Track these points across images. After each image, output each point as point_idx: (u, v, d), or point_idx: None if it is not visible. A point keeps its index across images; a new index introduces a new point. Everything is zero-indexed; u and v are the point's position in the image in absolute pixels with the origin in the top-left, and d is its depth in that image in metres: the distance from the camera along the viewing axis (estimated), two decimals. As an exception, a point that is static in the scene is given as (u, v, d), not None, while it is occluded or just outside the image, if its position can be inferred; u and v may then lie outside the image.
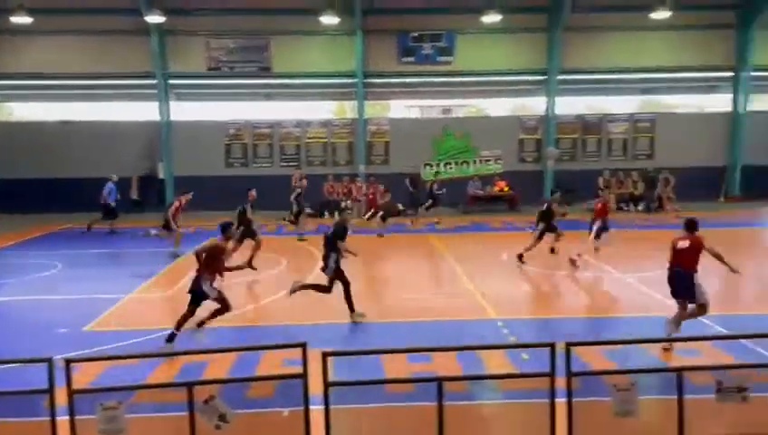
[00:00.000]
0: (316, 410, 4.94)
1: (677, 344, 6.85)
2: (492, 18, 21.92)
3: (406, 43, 23.76)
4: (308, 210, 18.57)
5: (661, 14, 21.60)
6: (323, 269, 9.73)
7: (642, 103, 25.72)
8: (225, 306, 8.42)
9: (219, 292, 8.40)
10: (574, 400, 5.10)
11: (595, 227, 13.30)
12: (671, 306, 10.20)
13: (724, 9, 23.63)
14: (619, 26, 23.72)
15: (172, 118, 24.11)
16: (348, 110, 25.59)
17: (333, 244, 9.72)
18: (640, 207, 22.88)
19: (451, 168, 24.60)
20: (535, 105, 25.30)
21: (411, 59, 23.85)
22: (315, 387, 4.93)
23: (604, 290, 11.75)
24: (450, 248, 15.80)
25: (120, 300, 11.07)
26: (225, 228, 8.86)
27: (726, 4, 23.53)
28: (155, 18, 21.55)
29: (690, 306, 7.94)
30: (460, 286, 11.93)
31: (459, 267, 13.51)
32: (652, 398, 5.49)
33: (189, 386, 4.87)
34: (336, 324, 9.35)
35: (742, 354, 6.91)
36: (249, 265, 12.19)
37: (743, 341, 7.19)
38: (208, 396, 4.82)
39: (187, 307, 8.32)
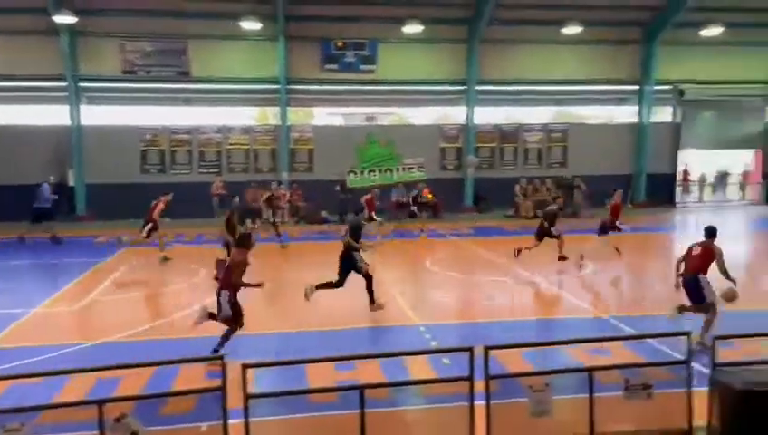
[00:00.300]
0: (236, 423, 4.83)
1: (588, 345, 7.15)
2: (413, 29, 22.35)
3: (329, 51, 23.76)
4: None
5: (572, 30, 22.70)
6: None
7: (556, 114, 26.85)
8: (233, 327, 8.10)
9: (233, 311, 8.06)
10: (493, 402, 5.25)
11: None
12: (585, 308, 10.69)
13: (631, 26, 25.05)
14: (533, 40, 24.67)
15: (84, 122, 22.98)
16: (270, 116, 25.29)
17: (355, 240, 10.35)
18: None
19: (375, 175, 24.74)
20: (456, 114, 25.89)
21: (334, 66, 23.85)
22: (237, 400, 4.83)
23: (523, 293, 12.12)
24: (374, 255, 15.84)
25: (26, 315, 10.43)
26: (243, 240, 8.55)
27: (632, 21, 24.95)
28: (64, 18, 20.51)
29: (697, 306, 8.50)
30: (384, 293, 11.98)
31: (383, 274, 13.58)
32: (567, 397, 5.70)
33: (100, 404, 4.65)
34: (257, 335, 9.17)
35: (648, 353, 7.30)
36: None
37: (649, 340, 7.58)
38: (119, 414, 4.62)
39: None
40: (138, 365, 6.56)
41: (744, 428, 4.95)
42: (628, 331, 9.20)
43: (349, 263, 10.36)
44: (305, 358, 5.85)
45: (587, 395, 5.37)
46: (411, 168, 24.96)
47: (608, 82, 25.68)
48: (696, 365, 5.80)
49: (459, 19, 24.12)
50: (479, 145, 25.28)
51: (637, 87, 25.79)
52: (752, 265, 15.31)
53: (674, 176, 26.63)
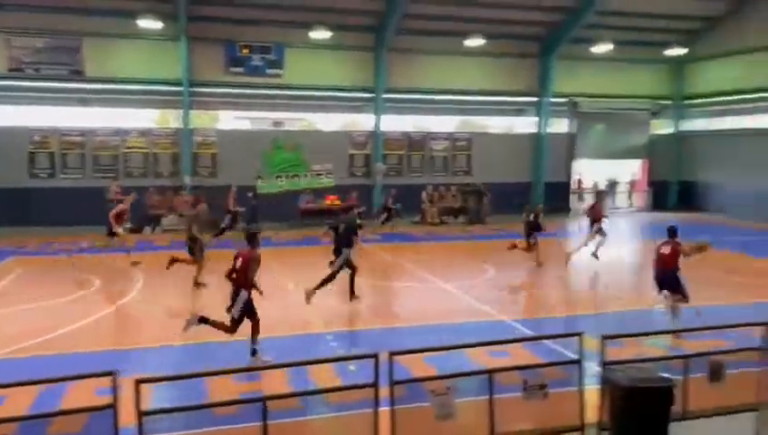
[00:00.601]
0: (130, 442, 4.59)
1: (490, 347, 7.35)
2: (321, 34, 22.29)
3: (234, 54, 23.24)
4: (127, 225, 17.30)
5: (475, 42, 23.48)
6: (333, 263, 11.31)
7: (461, 123, 27.60)
8: (233, 328, 8.29)
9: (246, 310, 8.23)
10: (398, 407, 5.28)
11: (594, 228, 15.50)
12: (488, 312, 11.02)
13: (529, 40, 26.24)
14: (439, 51, 25.29)
15: (-37, 122, 21.22)
16: (172, 119, 24.35)
17: (348, 238, 11.28)
18: (461, 220, 24.49)
19: (282, 181, 24.41)
20: (364, 121, 26.05)
21: (240, 69, 23.35)
22: (132, 417, 4.58)
23: (428, 299, 12.33)
24: (281, 262, 15.62)
25: None
26: (252, 237, 8.70)
27: (531, 36, 26.14)
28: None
29: (672, 295, 9.76)
30: (290, 301, 11.83)
31: (290, 282, 13.40)
32: (469, 399, 5.82)
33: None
34: (152, 349, 8.77)
35: (545, 354, 7.61)
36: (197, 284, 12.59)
37: (545, 341, 7.90)
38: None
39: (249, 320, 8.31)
40: (21, 384, 6.08)
41: (631, 423, 5.26)
42: (527, 332, 9.58)
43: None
44: (204, 371, 5.64)
45: (488, 397, 5.52)
46: (320, 174, 24.82)
47: (508, 93, 26.74)
48: (588, 364, 6.11)
49: (367, 27, 24.33)
50: (387, 152, 25.55)
51: (535, 99, 27.00)
52: (640, 268, 16.35)
53: (569, 184, 28.08)
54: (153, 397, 5.55)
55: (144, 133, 23.27)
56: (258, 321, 8.40)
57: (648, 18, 25.35)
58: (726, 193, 26.38)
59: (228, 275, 8.41)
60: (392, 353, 5.17)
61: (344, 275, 11.39)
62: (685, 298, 9.82)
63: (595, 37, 25.01)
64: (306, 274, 14.31)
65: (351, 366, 7.16)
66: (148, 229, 21.28)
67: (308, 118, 26.26)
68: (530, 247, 15.40)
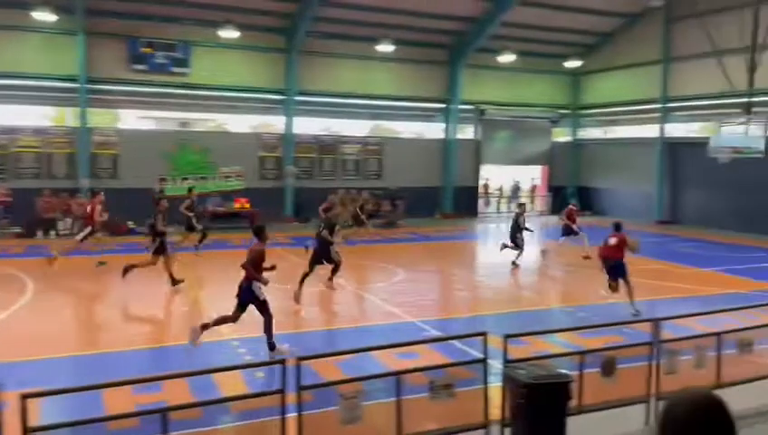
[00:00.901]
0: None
1: (399, 349, 7.43)
2: (229, 34, 21.81)
3: (136, 50, 22.27)
4: (15, 229, 16.22)
5: (385, 48, 23.78)
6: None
7: (372, 127, 27.80)
8: (269, 313, 8.78)
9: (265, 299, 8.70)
10: (306, 413, 5.22)
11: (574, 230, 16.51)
12: (399, 314, 11.14)
13: (438, 48, 26.85)
14: (351, 55, 25.40)
15: None
16: (69, 117, 23.02)
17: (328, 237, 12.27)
18: (371, 224, 24.60)
19: (189, 183, 23.62)
20: (275, 123, 25.71)
21: (143, 67, 22.41)
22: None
23: (338, 303, 12.31)
24: (187, 267, 15.09)
25: None
26: (259, 231, 9.24)
27: (439, 43, 26.75)
28: None
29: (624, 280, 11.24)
30: (195, 307, 11.47)
31: (194, 287, 12.98)
32: (377, 402, 5.85)
33: None
34: (40, 360, 8.22)
35: (452, 354, 7.77)
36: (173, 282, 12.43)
37: (454, 341, 8.07)
38: None
39: (234, 311, 8.68)
40: None
41: (531, 418, 5.47)
42: (435, 333, 9.76)
43: (323, 255, 12.20)
44: (100, 383, 5.34)
45: (396, 398, 5.57)
46: (228, 176, 24.25)
47: (419, 99, 27.24)
48: (493, 362, 6.29)
49: (277, 28, 24.04)
50: (299, 155, 25.33)
51: (444, 105, 27.66)
52: (541, 270, 17.07)
53: (476, 189, 28.95)
54: (45, 412, 5.19)
55: (38, 132, 21.85)
56: (271, 316, 8.82)
57: (549, 31, 26.62)
58: (618, 197, 28.11)
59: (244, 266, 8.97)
60: (299, 359, 5.12)
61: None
62: (627, 284, 11.30)
63: (500, 47, 25.97)
64: (212, 279, 13.92)
65: (260, 373, 7.03)
66: (40, 234, 19.96)
67: (216, 119, 25.58)
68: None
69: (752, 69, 19.86)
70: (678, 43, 25.01)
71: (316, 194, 24.67)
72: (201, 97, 23.95)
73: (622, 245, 11.33)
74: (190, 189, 18.78)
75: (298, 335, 10.03)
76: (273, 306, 12.18)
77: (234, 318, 8.78)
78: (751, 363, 7.23)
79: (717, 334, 7.06)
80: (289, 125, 24.88)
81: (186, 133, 24.28)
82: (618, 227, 11.64)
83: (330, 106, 26.11)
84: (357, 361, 7.16)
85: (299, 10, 22.98)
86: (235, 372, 7.26)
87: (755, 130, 19.71)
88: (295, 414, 5.12)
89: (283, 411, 5.08)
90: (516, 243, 15.78)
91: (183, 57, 22.95)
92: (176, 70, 22.91)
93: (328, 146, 26.15)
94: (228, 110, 25.02)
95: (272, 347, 8.61)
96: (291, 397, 5.17)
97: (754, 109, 20.06)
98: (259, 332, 10.25)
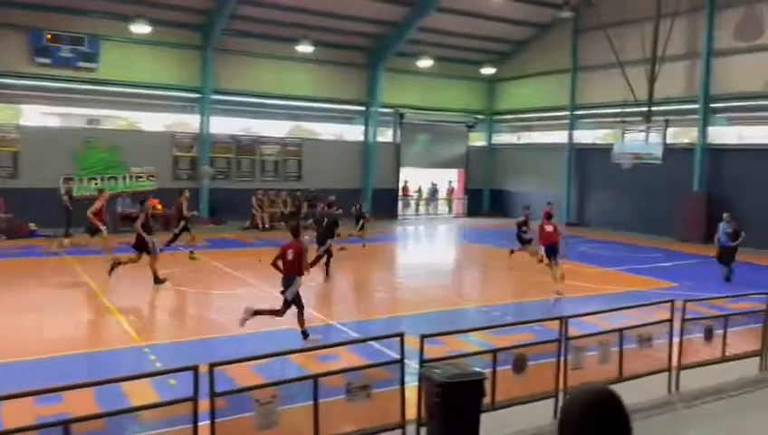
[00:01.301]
0: None
1: (317, 352, 7.40)
2: (141, 29, 20.99)
3: (39, 43, 20.98)
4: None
5: (305, 48, 23.61)
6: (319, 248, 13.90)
7: (292, 128, 27.49)
8: (283, 311, 9.55)
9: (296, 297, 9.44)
10: (219, 420, 5.10)
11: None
12: (319, 317, 11.09)
13: (358, 50, 26.96)
14: (270, 54, 25.05)
15: None
16: (-37, 112, 21.43)
17: (331, 231, 14.22)
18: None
19: (97, 183, 22.54)
20: (190, 122, 24.94)
21: (47, 61, 21.14)
22: None
23: (253, 306, 12.06)
24: (93, 272, 14.38)
25: None
26: (296, 230, 10.10)
27: (359, 46, 26.85)
28: None
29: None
30: (103, 313, 10.96)
31: (103, 293, 12.40)
32: (295, 406, 5.78)
33: None
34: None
35: (371, 355, 7.81)
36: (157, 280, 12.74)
37: (373, 343, 8.10)
38: None
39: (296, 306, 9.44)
40: None
41: (446, 416, 5.58)
42: (354, 335, 9.78)
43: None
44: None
45: (313, 402, 5.53)
46: (140, 176, 23.29)
47: (338, 101, 27.23)
48: (410, 363, 6.38)
49: (193, 25, 23.36)
50: (215, 155, 24.69)
51: (364, 108, 27.79)
52: (457, 270, 17.47)
53: (396, 191, 29.25)
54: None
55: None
56: (303, 306, 9.56)
57: (465, 38, 27.31)
58: (529, 200, 29.14)
59: (274, 265, 9.59)
60: (212, 365, 4.99)
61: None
62: (557, 265, 13.48)
63: (419, 52, 26.39)
64: (123, 283, 13.33)
65: (172, 380, 6.79)
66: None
67: (127, 116, 24.46)
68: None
69: (652, 80, 21.20)
70: (586, 53, 26.30)
71: (233, 195, 24.20)
72: (111, 93, 22.88)
73: (556, 230, 13.87)
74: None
75: (213, 341, 9.77)
76: (191, 312, 11.88)
77: (281, 313, 9.60)
78: (649, 357, 7.69)
79: (620, 331, 7.47)
80: (205, 124, 24.21)
81: (94, 131, 23.11)
82: (549, 216, 14.73)
83: (248, 106, 25.65)
84: (275, 365, 7.07)
85: (215, 7, 22.42)
86: (144, 380, 6.98)
87: (655, 137, 21.03)
88: (208, 422, 4.99)
89: (195, 420, 4.93)
90: (523, 240, 17.06)
91: (91, 51, 21.85)
92: (83, 64, 21.78)
93: (246, 146, 25.64)
94: (140, 107, 24.03)
95: (305, 335, 9.46)
96: (204, 404, 5.03)
97: (654, 117, 21.42)
98: (171, 337, 9.94)
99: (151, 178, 23.29)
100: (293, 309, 9.49)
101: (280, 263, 9.56)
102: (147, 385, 6.83)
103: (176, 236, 16.69)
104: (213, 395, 4.92)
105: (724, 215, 16.13)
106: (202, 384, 5.01)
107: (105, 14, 21.71)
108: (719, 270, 15.45)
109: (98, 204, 15.79)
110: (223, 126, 25.29)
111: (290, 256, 9.51)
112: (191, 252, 16.63)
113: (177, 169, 24.15)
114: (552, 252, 13.59)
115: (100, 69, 22.09)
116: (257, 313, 9.50)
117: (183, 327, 10.68)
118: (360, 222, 20.12)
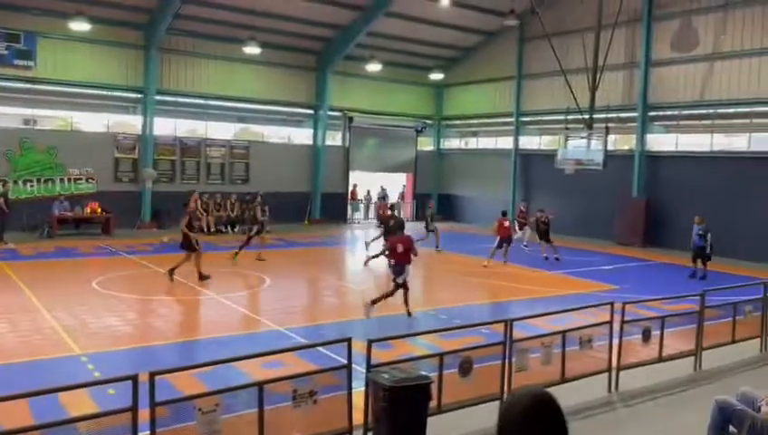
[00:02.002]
0: None
1: (263, 358, 7.28)
2: (80, 26, 20.28)
3: (-29, 39, 20.08)
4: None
5: (252, 50, 23.28)
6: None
7: (239, 131, 27.05)
8: (393, 293, 11.55)
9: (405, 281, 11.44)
10: (161, 430, 4.95)
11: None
12: (265, 322, 10.96)
13: (306, 53, 26.81)
14: (215, 55, 24.66)
15: None
16: None
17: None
18: (237, 230, 23.97)
19: (33, 186, 21.69)
20: (132, 123, 24.24)
21: (-21, 58, 20.25)
22: None
23: (200, 312, 11.85)
24: (28, 278, 13.80)
25: None
26: (401, 226, 13.37)
27: (307, 49, 26.70)
28: None
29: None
30: (39, 321, 10.51)
31: (38, 299, 11.91)
32: (239, 414, 5.67)
33: None
34: None
35: (318, 361, 7.74)
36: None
37: (320, 348, 8.04)
38: None
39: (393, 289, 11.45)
40: None
41: (393, 420, 5.59)
42: (301, 341, 9.69)
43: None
44: None
45: (258, 409, 5.44)
46: (79, 179, 22.54)
47: (287, 103, 27.01)
48: (357, 368, 6.35)
49: (135, 23, 22.75)
50: (159, 157, 24.08)
51: (312, 111, 27.65)
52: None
53: (345, 195, 29.19)
54: None
55: None
56: (408, 289, 11.50)
57: (413, 43, 27.54)
58: (476, 204, 29.64)
59: (389, 256, 11.92)
60: (153, 373, 4.84)
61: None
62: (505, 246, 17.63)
63: (367, 56, 26.44)
64: (57, 290, 12.84)
65: (111, 390, 6.56)
66: None
67: (65, 116, 23.55)
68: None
69: (593, 88, 21.85)
70: (531, 61, 26.92)
71: (177, 198, 23.60)
72: (48, 93, 22.05)
73: (510, 225, 17.99)
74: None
75: (154, 348, 9.50)
76: (132, 320, 11.52)
77: (392, 294, 11.40)
78: (590, 358, 7.90)
79: (562, 333, 7.64)
80: (148, 125, 23.58)
81: (30, 131, 22.19)
82: (504, 214, 18.48)
83: (193, 107, 25.16)
84: (219, 372, 6.92)
85: (159, 6, 21.90)
86: (82, 390, 6.72)
87: (596, 144, 21.67)
88: (148, 432, 4.84)
89: (135, 430, 4.78)
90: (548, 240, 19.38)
91: (27, 49, 21.02)
92: (19, 62, 20.94)
93: (191, 148, 25.10)
94: (79, 107, 23.18)
95: (409, 314, 11.35)
96: (144, 414, 4.88)
97: (595, 125, 22.08)
98: (112, 345, 9.61)
99: (91, 180, 22.63)
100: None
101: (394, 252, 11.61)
102: (85, 396, 6.58)
103: (249, 240, 17.29)
104: (153, 405, 4.77)
105: (696, 218, 17.11)
106: (142, 393, 4.87)
107: (43, 11, 20.92)
108: (692, 271, 16.50)
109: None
110: (167, 127, 24.69)
111: (400, 248, 11.57)
112: (260, 253, 17.22)
113: (118, 170, 23.45)
114: (508, 243, 17.74)
115: (37, 67, 21.28)
116: (374, 302, 11.16)
117: (124, 335, 10.33)
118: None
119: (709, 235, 16.45)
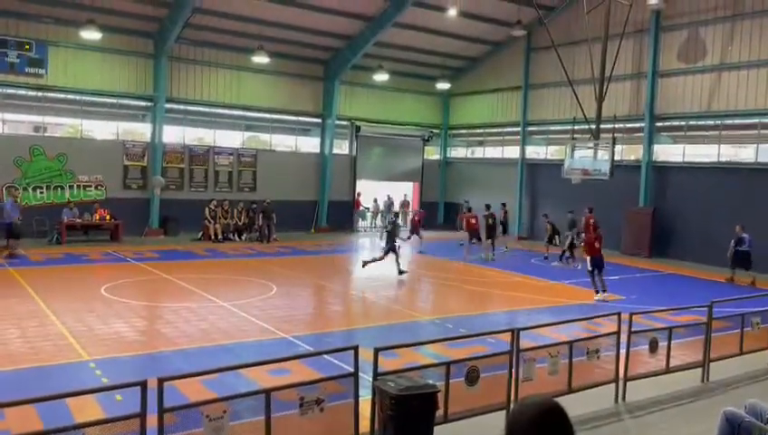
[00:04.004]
0: None
1: (271, 366, 7.31)
2: (91, 35, 20.47)
3: (-17, 47, 20.31)
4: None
5: (260, 59, 23.46)
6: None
7: (247, 139, 27.20)
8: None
9: None
10: (170, 436, 4.99)
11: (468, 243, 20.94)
12: (272, 330, 10.99)
13: (314, 62, 26.97)
14: (224, 64, 24.85)
15: None
16: None
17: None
18: (244, 238, 24.07)
19: (42, 192, 21.86)
20: (142, 131, 24.42)
21: (-8, 66, 20.47)
22: None
23: (208, 319, 11.88)
24: (37, 284, 13.90)
25: None
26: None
27: (315, 58, 26.86)
28: None
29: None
30: (47, 327, 10.58)
31: (47, 306, 11.99)
32: (247, 421, 5.70)
33: None
34: None
35: (325, 369, 7.77)
36: None
37: (327, 356, 8.06)
38: None
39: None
40: None
41: (399, 430, 5.60)
42: (308, 348, 9.71)
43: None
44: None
45: (265, 417, 5.46)
46: (88, 186, 22.70)
47: (295, 112, 27.15)
48: (364, 376, 6.37)
49: (145, 32, 22.97)
50: (167, 165, 24.23)
51: (320, 120, 27.77)
52: (410, 282, 17.54)
53: (352, 204, 29.24)
54: None
55: None
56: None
57: (420, 53, 27.66)
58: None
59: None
60: (161, 380, 4.88)
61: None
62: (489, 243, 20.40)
63: (375, 66, 26.57)
64: (66, 296, 12.92)
65: (119, 395, 6.60)
66: None
67: (76, 124, 23.77)
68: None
69: (600, 98, 21.86)
70: (537, 71, 26.97)
71: (185, 206, 23.78)
72: (58, 100, 22.29)
73: (478, 221, 20.95)
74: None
75: (161, 355, 9.55)
76: (139, 326, 11.57)
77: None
78: (598, 369, 7.88)
79: (569, 343, 7.64)
80: (157, 133, 23.74)
81: (40, 138, 22.40)
82: (469, 209, 21.61)
83: (202, 115, 25.34)
84: (226, 379, 6.94)
85: (169, 15, 22.10)
86: (90, 396, 6.77)
87: (603, 154, 21.65)
88: (157, 438, 4.87)
89: (143, 436, 4.81)
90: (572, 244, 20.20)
91: (39, 57, 21.25)
92: (30, 70, 21.17)
93: (199, 156, 25.25)
94: (89, 115, 23.38)
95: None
96: (152, 420, 4.91)
97: (602, 135, 22.08)
98: (119, 352, 9.67)
99: (100, 187, 22.77)
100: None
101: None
102: (93, 402, 6.62)
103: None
104: (162, 411, 4.80)
105: (737, 227, 17.82)
106: (151, 400, 4.90)
107: (54, 20, 21.17)
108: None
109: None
110: (175, 135, 24.86)
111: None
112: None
113: (127, 178, 23.62)
114: (478, 236, 20.78)
115: (48, 75, 21.51)
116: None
117: (132, 341, 10.39)
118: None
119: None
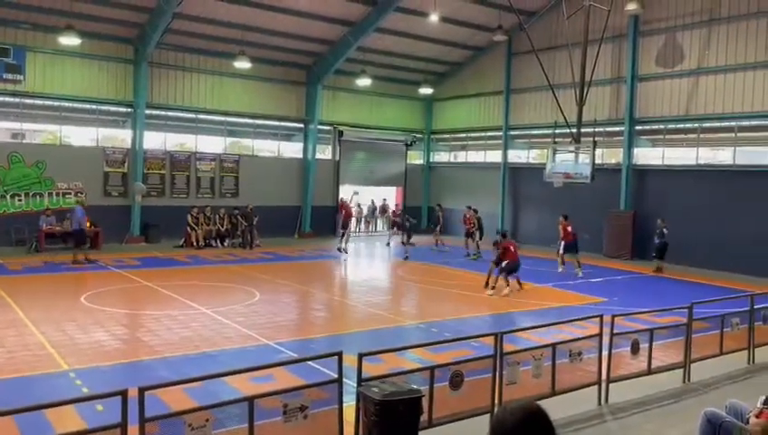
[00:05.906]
0: None
1: (252, 373, 7.25)
2: (70, 40, 20.23)
3: (-41, 53, 20.01)
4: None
5: (242, 64, 23.35)
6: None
7: (229, 144, 27.05)
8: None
9: None
10: (150, 446, 4.92)
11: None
12: (255, 337, 10.92)
13: (297, 67, 26.92)
14: (206, 69, 24.72)
15: None
16: None
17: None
18: (227, 244, 23.91)
19: (21, 200, 21.54)
20: (122, 137, 24.18)
21: (-32, 72, 20.17)
22: None
23: (190, 327, 11.77)
24: (15, 293, 13.68)
25: None
26: (505, 234, 17.84)
27: (297, 63, 26.83)
28: None
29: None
30: (26, 337, 10.42)
31: (26, 315, 11.80)
32: (229, 429, 5.64)
33: None
34: None
35: (309, 375, 7.72)
36: None
37: (311, 362, 8.02)
38: None
39: None
40: None
41: (384, 434, 5.58)
42: (291, 355, 9.66)
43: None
44: None
45: (248, 424, 5.42)
46: (67, 193, 22.42)
47: (277, 118, 27.07)
48: (348, 382, 6.34)
49: (125, 38, 22.78)
50: (148, 171, 24.00)
51: (302, 125, 27.71)
52: (394, 287, 17.55)
53: (336, 208, 29.13)
54: None
55: None
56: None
57: (403, 58, 27.74)
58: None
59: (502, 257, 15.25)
60: (142, 389, 4.82)
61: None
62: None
63: (358, 71, 26.60)
64: (45, 305, 12.74)
65: (99, 406, 6.50)
66: None
67: (54, 130, 23.47)
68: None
69: (580, 102, 22.06)
70: (519, 75, 27.17)
71: (167, 212, 23.56)
72: (37, 107, 22.00)
73: (473, 221, 22.69)
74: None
75: (143, 363, 9.43)
76: (120, 334, 11.42)
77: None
78: (580, 371, 7.93)
79: (552, 345, 7.67)
80: (137, 139, 23.52)
81: (18, 145, 22.09)
82: (441, 207, 23.23)
83: (183, 121, 25.17)
84: (209, 387, 6.87)
85: (149, 21, 21.93)
86: (70, 406, 6.66)
87: (584, 157, 21.84)
88: (138, 449, 4.80)
89: (125, 447, 4.74)
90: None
91: (16, 63, 20.98)
92: (8, 76, 20.89)
93: (181, 162, 25.04)
94: (69, 121, 23.10)
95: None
96: (133, 430, 4.85)
97: (582, 139, 22.27)
98: (100, 361, 9.52)
99: (79, 194, 22.48)
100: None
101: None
102: (73, 413, 6.52)
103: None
104: (143, 421, 4.74)
105: (659, 220, 19.56)
106: (131, 409, 4.84)
107: (32, 25, 20.92)
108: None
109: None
110: (156, 141, 24.66)
111: (512, 247, 15.60)
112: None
113: (107, 184, 23.36)
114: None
115: (26, 81, 21.24)
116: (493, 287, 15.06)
117: (113, 350, 10.25)
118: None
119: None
